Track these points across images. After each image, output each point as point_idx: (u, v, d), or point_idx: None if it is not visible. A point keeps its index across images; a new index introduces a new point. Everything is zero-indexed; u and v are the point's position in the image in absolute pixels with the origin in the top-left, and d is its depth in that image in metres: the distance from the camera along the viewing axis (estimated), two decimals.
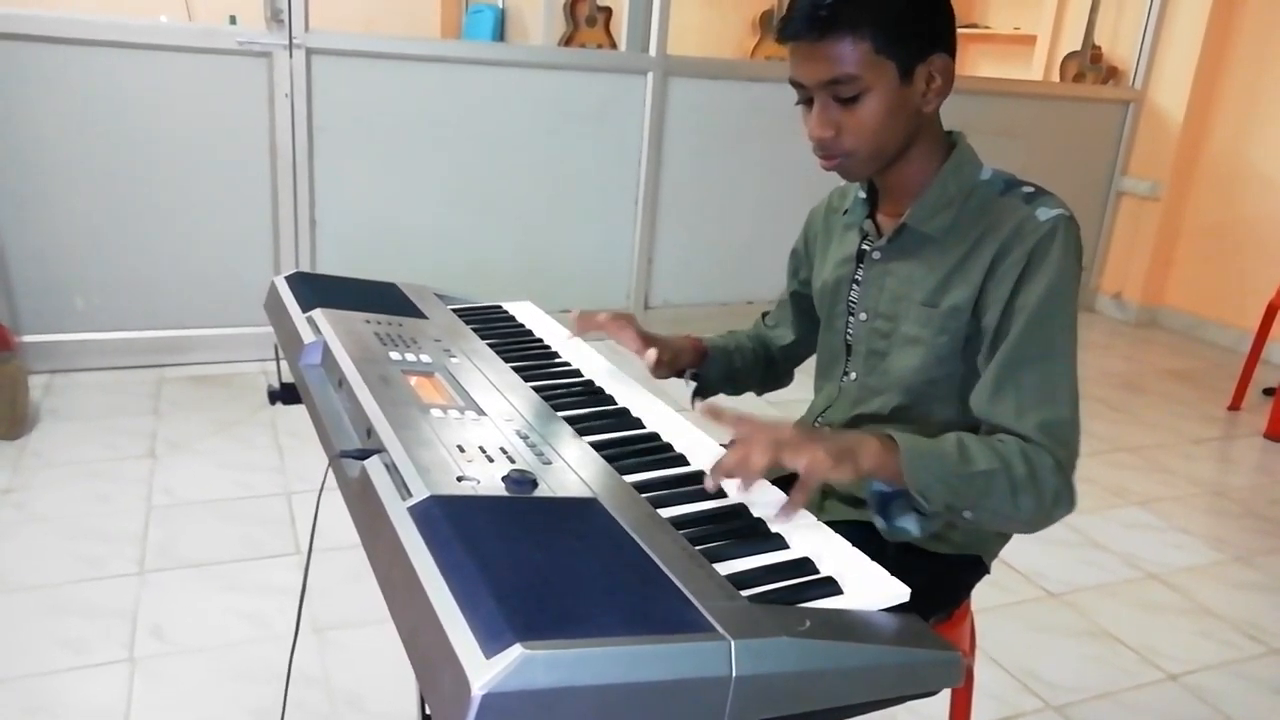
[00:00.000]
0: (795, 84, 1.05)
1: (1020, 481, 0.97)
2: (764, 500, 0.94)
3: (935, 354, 1.10)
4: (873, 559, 0.85)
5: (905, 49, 1.01)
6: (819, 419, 1.25)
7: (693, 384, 1.38)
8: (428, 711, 1.36)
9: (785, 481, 0.95)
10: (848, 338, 1.21)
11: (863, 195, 1.19)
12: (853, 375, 1.21)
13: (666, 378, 1.33)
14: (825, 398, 1.26)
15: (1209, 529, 2.59)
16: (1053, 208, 1.04)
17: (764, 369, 1.43)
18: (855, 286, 1.19)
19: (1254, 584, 2.32)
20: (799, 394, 1.47)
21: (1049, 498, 0.98)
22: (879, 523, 1.07)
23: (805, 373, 1.47)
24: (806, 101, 1.06)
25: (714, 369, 1.37)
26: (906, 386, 1.13)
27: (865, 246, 1.18)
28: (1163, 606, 2.19)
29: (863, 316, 1.18)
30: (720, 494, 0.94)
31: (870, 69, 1.00)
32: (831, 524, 0.91)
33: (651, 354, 1.24)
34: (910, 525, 1.07)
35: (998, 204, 1.07)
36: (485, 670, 0.58)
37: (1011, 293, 1.03)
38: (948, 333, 1.08)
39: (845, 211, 1.23)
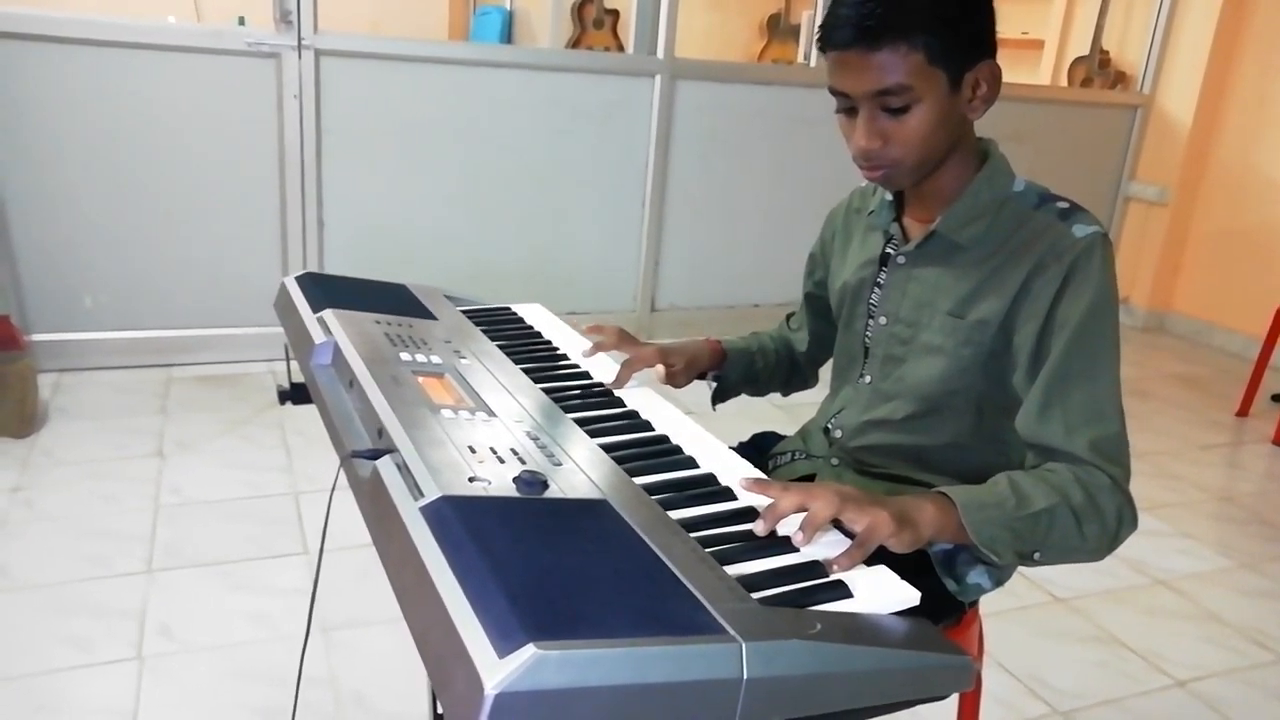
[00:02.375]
0: (837, 93, 1.02)
1: (1081, 510, 0.96)
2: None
3: (957, 365, 1.09)
4: (883, 563, 0.85)
5: (956, 57, 0.99)
6: (832, 420, 1.24)
7: (713, 385, 1.38)
8: (439, 711, 1.36)
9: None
10: (866, 341, 1.20)
11: (889, 198, 1.17)
12: (868, 379, 1.20)
13: (686, 385, 1.34)
14: (841, 400, 1.25)
15: (1216, 535, 2.58)
16: (1089, 225, 1.02)
17: (788, 370, 1.43)
18: (877, 290, 1.18)
19: (1262, 591, 2.31)
20: (809, 396, 1.48)
21: (1112, 520, 0.97)
22: (950, 585, 1.07)
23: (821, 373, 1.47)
24: (847, 110, 1.03)
25: (734, 371, 1.37)
26: (923, 395, 1.12)
27: (890, 250, 1.17)
28: (1170, 612, 2.18)
29: (883, 320, 1.17)
30: (730, 496, 0.94)
31: (921, 79, 0.97)
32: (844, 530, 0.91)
33: (660, 369, 1.29)
34: (983, 580, 1.07)
35: (1033, 219, 1.05)
36: (498, 670, 0.58)
37: (1049, 310, 1.01)
38: (972, 345, 1.07)
39: (871, 213, 1.22)
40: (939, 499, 0.94)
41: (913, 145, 1.01)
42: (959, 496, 0.94)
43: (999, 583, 1.10)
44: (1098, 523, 0.96)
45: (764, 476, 0.97)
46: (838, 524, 0.87)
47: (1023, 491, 0.96)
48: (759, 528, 0.86)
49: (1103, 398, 1.00)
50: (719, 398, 1.40)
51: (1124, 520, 0.98)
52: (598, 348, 1.29)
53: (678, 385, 1.32)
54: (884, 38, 0.95)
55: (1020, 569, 2.23)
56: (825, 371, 1.44)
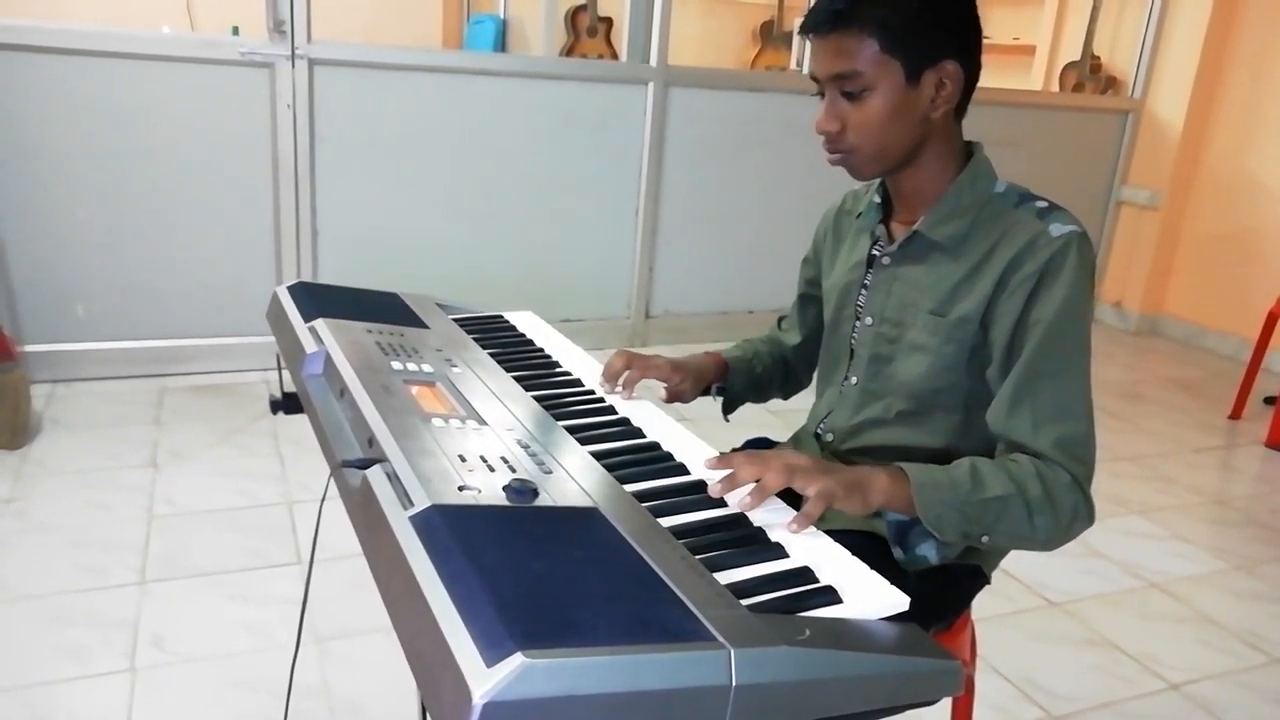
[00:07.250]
0: (812, 77, 1.08)
1: (1036, 503, 0.99)
2: (764, 509, 0.94)
3: (941, 362, 1.10)
4: (873, 568, 0.85)
5: (913, 51, 1.02)
6: (822, 424, 1.25)
7: (718, 397, 1.40)
8: None
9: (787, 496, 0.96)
10: (852, 342, 1.21)
11: (878, 200, 1.20)
12: (854, 380, 1.21)
13: (694, 399, 1.35)
14: (827, 403, 1.26)
15: (1210, 538, 2.58)
16: (1066, 224, 1.04)
17: (783, 372, 1.45)
18: (863, 291, 1.20)
19: (1255, 593, 2.31)
20: (797, 402, 1.48)
21: (1066, 515, 1.00)
22: (897, 553, 1.09)
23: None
24: (821, 95, 1.08)
25: (738, 380, 1.39)
26: (911, 393, 1.14)
27: (875, 252, 1.19)
28: (1164, 615, 2.19)
29: (869, 321, 1.18)
30: (720, 503, 0.95)
31: (875, 67, 1.02)
32: (833, 533, 0.91)
33: (661, 391, 1.31)
34: (929, 552, 1.08)
35: (1011, 216, 1.08)
36: (486, 679, 0.58)
37: (1024, 308, 1.03)
38: (954, 342, 1.09)
39: (860, 215, 1.24)
40: (894, 471, 0.99)
41: (867, 132, 1.06)
42: (914, 474, 0.98)
43: (944, 558, 1.11)
44: (1050, 516, 0.99)
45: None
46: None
47: (981, 477, 0.99)
48: (713, 490, 0.94)
49: (1071, 396, 1.02)
50: (728, 409, 1.42)
51: (1079, 516, 1.01)
52: (620, 381, 1.24)
53: (685, 400, 1.33)
54: (844, 23, 1.02)
55: (1020, 574, 2.23)
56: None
